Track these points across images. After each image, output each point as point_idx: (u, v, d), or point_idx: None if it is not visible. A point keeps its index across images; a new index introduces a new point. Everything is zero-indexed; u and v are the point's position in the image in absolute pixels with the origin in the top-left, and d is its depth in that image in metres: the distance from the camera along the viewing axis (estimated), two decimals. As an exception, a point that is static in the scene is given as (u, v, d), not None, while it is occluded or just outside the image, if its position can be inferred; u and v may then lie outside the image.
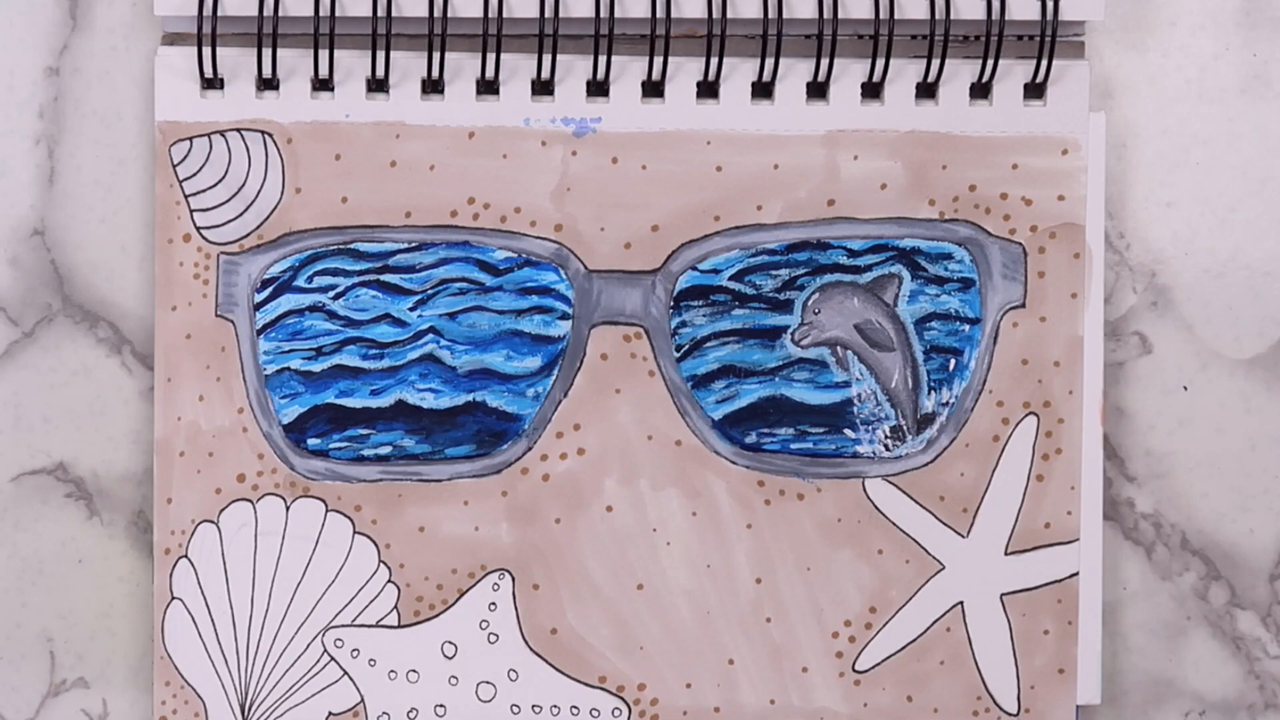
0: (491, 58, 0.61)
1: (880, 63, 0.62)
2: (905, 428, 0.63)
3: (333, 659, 0.63)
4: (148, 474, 0.64)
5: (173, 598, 0.63)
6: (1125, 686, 0.65)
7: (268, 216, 0.62)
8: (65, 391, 0.64)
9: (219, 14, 0.61)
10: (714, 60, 0.62)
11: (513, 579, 0.63)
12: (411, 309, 0.63)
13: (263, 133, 0.62)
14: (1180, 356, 0.65)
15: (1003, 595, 0.63)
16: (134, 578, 0.64)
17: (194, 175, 0.62)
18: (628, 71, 0.62)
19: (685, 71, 0.62)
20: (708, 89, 0.62)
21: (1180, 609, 0.65)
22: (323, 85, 0.62)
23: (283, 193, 0.62)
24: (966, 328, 0.63)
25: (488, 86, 0.62)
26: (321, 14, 0.61)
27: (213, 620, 0.63)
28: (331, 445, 0.63)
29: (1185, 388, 0.65)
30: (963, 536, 0.63)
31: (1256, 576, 0.65)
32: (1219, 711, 0.65)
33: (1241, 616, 0.65)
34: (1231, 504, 0.65)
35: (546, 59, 0.61)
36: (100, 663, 0.64)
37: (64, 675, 0.64)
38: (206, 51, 0.61)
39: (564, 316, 0.63)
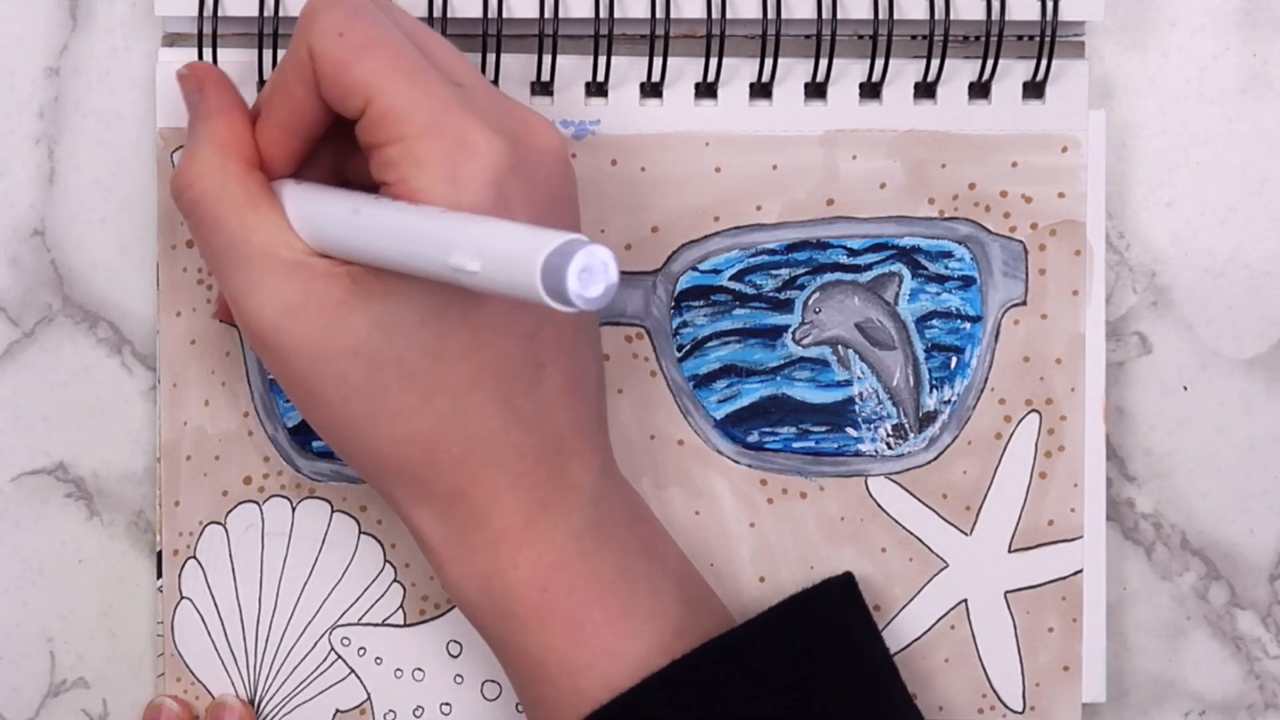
0: (491, 58, 0.61)
1: (879, 63, 0.62)
2: (907, 426, 0.63)
3: (340, 657, 0.63)
4: (148, 474, 0.64)
5: (181, 597, 0.62)
6: (1126, 686, 0.65)
7: (269, 218, 0.62)
8: (65, 391, 0.64)
9: (219, 14, 0.61)
10: (713, 61, 0.62)
11: (515, 579, 0.63)
12: (413, 309, 0.62)
13: (264, 134, 0.62)
14: (1180, 356, 0.65)
15: (1007, 593, 0.63)
16: (134, 578, 0.64)
17: (195, 177, 0.62)
18: (627, 73, 0.62)
19: (684, 72, 0.62)
20: (707, 90, 0.62)
21: (1180, 609, 0.65)
22: (323, 85, 0.62)
23: (284, 194, 0.62)
24: (968, 325, 0.63)
25: (488, 87, 0.62)
26: (323, 14, 0.61)
27: (221, 619, 0.62)
28: (336, 446, 0.62)
29: (1185, 388, 0.65)
30: (966, 534, 0.63)
31: (1256, 576, 0.65)
32: (1219, 711, 0.65)
33: (1241, 616, 0.65)
34: (1231, 504, 0.65)
35: (546, 60, 0.61)
36: (100, 663, 0.64)
37: (64, 675, 0.64)
38: (207, 52, 0.61)
39: (565, 316, 0.63)
